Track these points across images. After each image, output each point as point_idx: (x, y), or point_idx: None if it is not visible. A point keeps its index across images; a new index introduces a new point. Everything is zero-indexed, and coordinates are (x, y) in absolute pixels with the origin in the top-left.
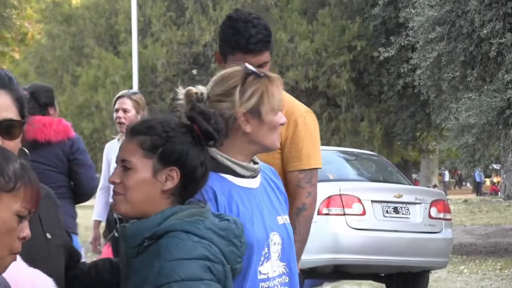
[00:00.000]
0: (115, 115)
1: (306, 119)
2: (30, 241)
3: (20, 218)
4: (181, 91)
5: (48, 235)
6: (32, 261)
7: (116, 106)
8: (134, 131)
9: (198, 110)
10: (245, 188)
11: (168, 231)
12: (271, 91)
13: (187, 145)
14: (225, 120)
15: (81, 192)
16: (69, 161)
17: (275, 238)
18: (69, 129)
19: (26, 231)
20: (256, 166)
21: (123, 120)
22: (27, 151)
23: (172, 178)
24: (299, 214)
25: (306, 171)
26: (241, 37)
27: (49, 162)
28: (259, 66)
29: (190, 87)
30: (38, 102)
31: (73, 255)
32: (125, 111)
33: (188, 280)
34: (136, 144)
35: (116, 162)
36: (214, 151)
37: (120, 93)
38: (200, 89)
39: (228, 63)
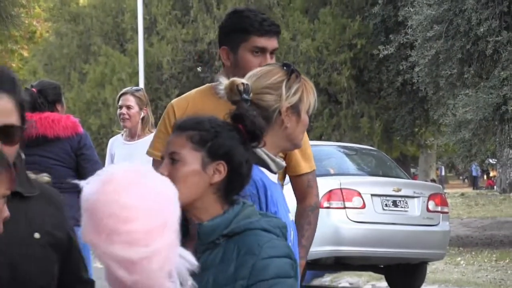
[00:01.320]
0: (118, 111)
1: None
2: (12, 239)
3: (3, 199)
4: (223, 82)
5: (36, 235)
6: (12, 260)
7: (120, 103)
8: (182, 127)
9: (244, 110)
10: (275, 183)
11: (246, 229)
12: (308, 91)
13: (234, 141)
14: (268, 114)
15: None
16: (77, 156)
17: (291, 235)
18: (77, 125)
19: (7, 211)
20: (283, 163)
21: (126, 116)
22: (22, 154)
23: (219, 172)
24: (313, 211)
25: (313, 171)
26: (254, 21)
27: (58, 157)
28: (271, 52)
29: (234, 78)
30: (46, 99)
31: (72, 266)
32: (128, 107)
33: (280, 277)
34: (185, 137)
35: (162, 157)
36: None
37: (124, 90)
38: (243, 80)
39: (241, 51)
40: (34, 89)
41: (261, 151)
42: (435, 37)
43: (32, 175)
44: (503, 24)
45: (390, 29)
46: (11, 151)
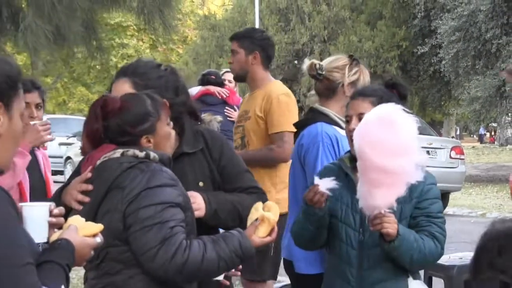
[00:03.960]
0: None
1: (279, 98)
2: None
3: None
4: (306, 62)
5: (201, 183)
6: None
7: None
8: (363, 93)
9: (396, 80)
10: (343, 136)
11: None
12: (364, 74)
13: (395, 99)
14: (335, 85)
15: None
16: None
17: None
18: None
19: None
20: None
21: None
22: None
23: None
24: None
25: (279, 133)
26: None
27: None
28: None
29: (313, 60)
30: (217, 81)
31: (231, 184)
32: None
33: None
34: (369, 101)
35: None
36: (325, 110)
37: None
38: (319, 62)
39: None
40: (213, 76)
41: (331, 114)
42: (456, 40)
43: (207, 118)
44: (503, 31)
45: (425, 35)
46: None
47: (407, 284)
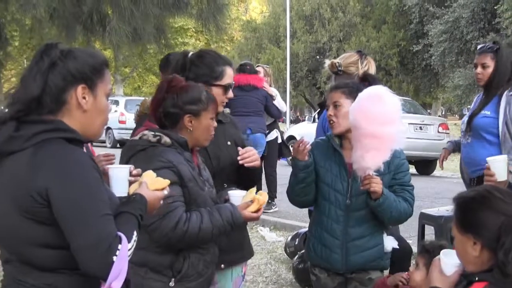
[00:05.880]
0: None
1: None
2: (219, 146)
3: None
4: (327, 62)
5: (229, 142)
6: (220, 155)
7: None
8: (335, 87)
9: (368, 76)
10: None
11: None
12: (372, 65)
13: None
14: (352, 77)
15: None
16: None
17: None
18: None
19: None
20: None
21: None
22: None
23: None
24: None
25: None
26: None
27: (257, 98)
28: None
29: (333, 59)
30: (254, 69)
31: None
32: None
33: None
34: (340, 92)
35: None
36: None
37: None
38: (337, 60)
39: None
40: (248, 66)
41: None
42: (443, 41)
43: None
44: (481, 34)
45: (419, 36)
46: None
47: (382, 238)
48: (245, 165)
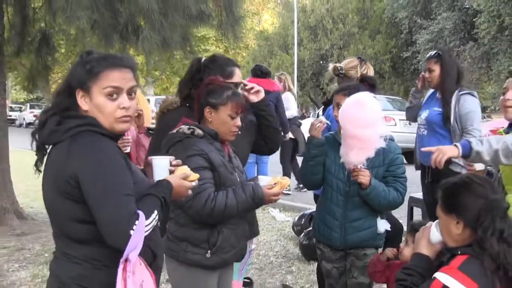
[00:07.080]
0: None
1: None
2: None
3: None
4: (330, 66)
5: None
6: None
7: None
8: (338, 90)
9: (367, 78)
10: None
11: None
12: (370, 69)
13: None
14: (352, 79)
15: None
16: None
17: None
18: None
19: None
20: None
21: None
22: None
23: None
24: None
25: None
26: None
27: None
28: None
29: (335, 63)
30: (265, 71)
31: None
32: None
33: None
34: (342, 94)
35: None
36: None
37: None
38: (340, 64)
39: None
40: (261, 69)
41: None
42: (429, 48)
43: None
44: (461, 42)
45: (408, 44)
46: None
47: (376, 221)
48: (250, 95)
